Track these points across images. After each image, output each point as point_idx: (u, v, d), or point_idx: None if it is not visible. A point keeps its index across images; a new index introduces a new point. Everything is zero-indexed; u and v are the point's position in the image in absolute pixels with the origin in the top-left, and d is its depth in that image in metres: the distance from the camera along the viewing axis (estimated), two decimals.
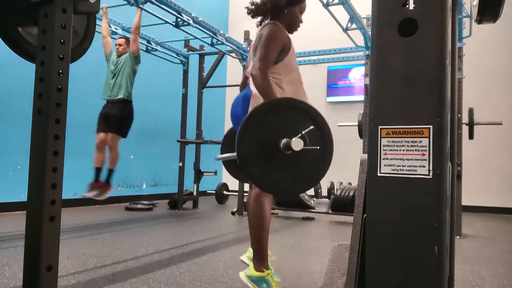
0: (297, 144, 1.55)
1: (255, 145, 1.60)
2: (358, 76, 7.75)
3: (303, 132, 1.57)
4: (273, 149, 1.59)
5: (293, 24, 2.20)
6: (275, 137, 1.60)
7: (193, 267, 2.66)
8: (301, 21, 2.24)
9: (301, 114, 1.65)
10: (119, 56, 4.56)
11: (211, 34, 4.91)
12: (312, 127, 1.58)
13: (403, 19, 0.83)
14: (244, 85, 2.39)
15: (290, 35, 2.18)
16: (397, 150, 0.83)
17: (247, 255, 2.36)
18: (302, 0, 2.20)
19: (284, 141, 1.57)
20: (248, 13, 2.25)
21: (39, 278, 1.02)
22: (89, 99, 5.84)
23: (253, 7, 2.21)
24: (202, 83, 6.40)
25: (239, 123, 2.14)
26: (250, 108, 2.03)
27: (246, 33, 5.79)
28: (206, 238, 3.80)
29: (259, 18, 2.26)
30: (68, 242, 3.34)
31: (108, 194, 4.03)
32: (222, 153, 2.34)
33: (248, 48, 5.80)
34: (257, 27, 2.26)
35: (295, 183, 1.67)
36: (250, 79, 2.14)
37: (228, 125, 8.87)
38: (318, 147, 1.59)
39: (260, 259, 2.05)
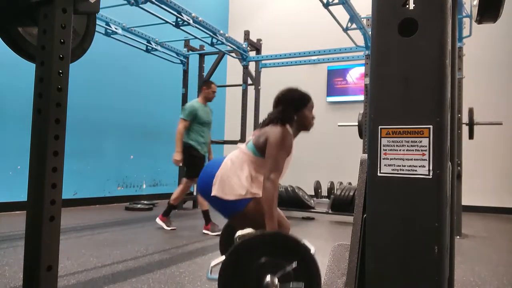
0: (277, 284, 1.55)
1: (238, 282, 1.60)
2: (358, 76, 7.75)
3: (286, 269, 1.56)
4: (257, 286, 1.59)
5: (306, 125, 2.17)
6: (258, 275, 1.59)
7: (193, 267, 2.66)
8: (313, 118, 2.19)
9: (285, 250, 1.64)
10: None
11: (211, 34, 4.91)
12: (294, 264, 1.57)
13: (403, 19, 0.83)
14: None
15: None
16: (397, 150, 0.83)
17: None
18: (307, 100, 2.16)
19: (267, 279, 1.58)
20: (261, 127, 2.18)
21: (39, 278, 1.02)
22: (89, 99, 5.84)
23: (265, 122, 2.15)
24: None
25: (207, 197, 2.07)
26: (219, 186, 1.99)
27: (246, 33, 5.79)
28: (206, 238, 3.80)
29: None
30: (68, 242, 3.34)
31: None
32: (221, 247, 2.40)
33: (248, 48, 5.80)
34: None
35: None
36: (236, 152, 2.10)
37: (228, 125, 8.88)
38: (303, 283, 1.58)
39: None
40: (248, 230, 1.93)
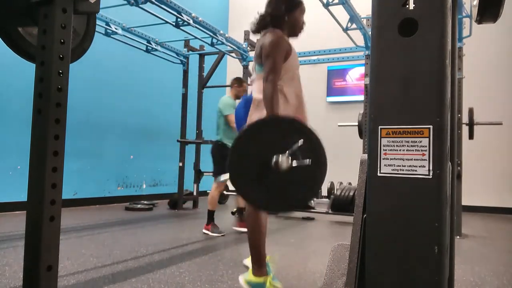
0: (286, 161, 1.55)
1: (247, 165, 1.60)
2: (357, 76, 7.75)
3: (292, 148, 1.57)
4: (266, 168, 1.59)
5: (296, 28, 2.19)
6: (266, 156, 1.59)
7: (193, 267, 2.66)
8: (304, 23, 2.22)
9: (290, 130, 1.65)
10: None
11: (211, 34, 4.91)
12: (301, 142, 1.58)
13: (403, 19, 0.83)
14: None
15: (290, 39, 2.17)
16: (397, 150, 0.83)
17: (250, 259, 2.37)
18: (300, 3, 2.19)
19: (274, 159, 1.58)
20: (253, 32, 2.24)
21: (39, 278, 1.02)
22: (90, 99, 5.84)
23: (255, 26, 2.20)
24: (202, 83, 6.39)
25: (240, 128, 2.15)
26: (249, 113, 2.04)
27: (246, 33, 5.79)
28: (206, 238, 3.80)
29: (262, 32, 2.25)
30: (68, 242, 3.34)
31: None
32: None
33: (248, 48, 5.80)
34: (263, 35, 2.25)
35: (289, 199, 1.66)
36: (253, 86, 2.15)
37: None
38: (309, 161, 1.58)
39: (258, 264, 2.06)
40: None
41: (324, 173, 1.62)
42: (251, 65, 2.26)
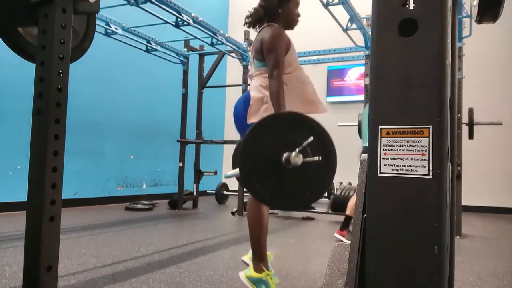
0: (297, 158, 1.55)
1: (257, 162, 1.60)
2: (357, 76, 7.75)
3: (303, 144, 1.57)
4: (276, 164, 1.59)
5: (290, 21, 2.19)
6: (276, 152, 1.60)
7: (193, 267, 2.66)
8: (298, 15, 2.22)
9: (300, 126, 1.65)
10: None
11: (211, 34, 4.91)
12: (311, 138, 1.58)
13: (403, 19, 0.83)
14: None
15: (291, 35, 2.18)
16: (397, 150, 0.83)
17: (249, 255, 2.37)
18: None
19: (285, 155, 1.58)
20: (248, 26, 2.25)
21: (39, 278, 1.02)
22: (89, 99, 5.84)
23: (249, 19, 2.21)
24: (202, 83, 6.39)
25: (241, 125, 2.14)
26: (248, 115, 2.03)
27: (246, 33, 5.78)
28: (206, 238, 3.80)
29: (257, 26, 2.26)
30: (68, 242, 3.34)
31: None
32: (233, 168, 2.36)
33: (248, 48, 5.79)
34: (258, 30, 2.26)
35: (301, 196, 1.66)
36: (252, 82, 2.15)
37: (228, 125, 8.88)
38: (319, 158, 1.58)
39: (259, 260, 2.06)
40: None
41: (333, 171, 1.62)
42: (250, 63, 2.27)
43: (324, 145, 1.61)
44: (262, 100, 2.03)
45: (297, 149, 1.55)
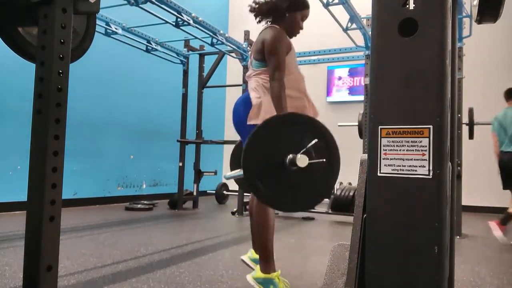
0: (302, 160, 1.55)
1: (261, 163, 1.60)
2: (357, 76, 7.74)
3: (307, 146, 1.56)
4: (280, 165, 1.59)
5: (293, 29, 2.19)
6: (280, 154, 1.59)
7: (193, 267, 2.66)
8: (301, 28, 2.23)
9: (305, 128, 1.65)
10: None
11: (211, 34, 4.91)
12: (316, 140, 1.57)
13: (403, 19, 0.83)
14: None
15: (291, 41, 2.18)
16: (397, 150, 0.83)
17: (248, 255, 2.36)
18: (304, 6, 2.19)
19: (289, 157, 1.57)
20: (250, 11, 2.25)
21: (39, 278, 1.02)
22: (89, 99, 5.84)
23: (256, 5, 2.21)
24: (202, 83, 6.39)
25: (241, 127, 2.13)
26: (249, 117, 2.02)
27: (246, 33, 5.78)
28: (206, 238, 3.80)
29: (259, 18, 2.27)
30: (68, 242, 3.34)
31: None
32: (232, 169, 2.35)
33: (248, 48, 5.80)
34: (257, 23, 2.26)
35: (304, 198, 1.66)
36: (250, 83, 2.15)
37: (228, 125, 8.87)
38: (325, 160, 1.58)
39: (266, 261, 2.05)
40: None
41: (337, 173, 1.62)
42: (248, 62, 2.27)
43: (327, 147, 1.61)
44: (261, 102, 2.03)
45: (301, 151, 1.55)
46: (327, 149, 1.61)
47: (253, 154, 1.59)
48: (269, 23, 2.20)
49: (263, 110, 2.00)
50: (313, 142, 1.56)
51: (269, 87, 2.03)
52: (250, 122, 2.02)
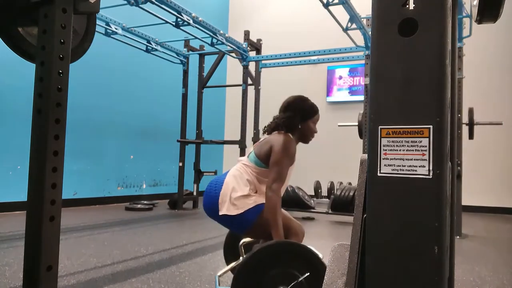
0: None
1: None
2: (357, 76, 7.75)
3: (299, 279, 1.58)
4: None
5: (306, 136, 2.16)
6: (271, 284, 1.61)
7: (193, 267, 2.66)
8: (315, 131, 2.19)
9: (300, 260, 1.66)
10: None
11: (211, 34, 4.91)
12: (308, 274, 1.59)
13: (403, 19, 0.83)
14: None
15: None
16: (397, 150, 0.83)
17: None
18: (314, 114, 2.17)
19: None
20: (263, 133, 2.21)
21: (39, 278, 1.02)
22: (89, 99, 5.84)
23: (269, 128, 2.17)
24: (202, 83, 6.40)
25: (212, 212, 2.00)
26: (223, 205, 1.94)
27: (246, 33, 5.79)
28: (206, 238, 3.80)
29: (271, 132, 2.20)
30: (68, 242, 3.34)
31: None
32: (225, 259, 2.35)
33: (248, 48, 5.80)
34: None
35: None
36: (241, 167, 2.05)
37: (228, 125, 8.88)
38: None
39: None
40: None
41: None
42: (247, 151, 2.21)
43: (320, 278, 1.61)
44: (246, 197, 1.94)
45: (292, 283, 1.57)
46: (320, 280, 1.62)
47: (244, 281, 1.63)
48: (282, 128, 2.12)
49: (235, 202, 1.92)
50: (305, 275, 1.59)
51: (260, 187, 2.00)
52: (223, 211, 1.93)
